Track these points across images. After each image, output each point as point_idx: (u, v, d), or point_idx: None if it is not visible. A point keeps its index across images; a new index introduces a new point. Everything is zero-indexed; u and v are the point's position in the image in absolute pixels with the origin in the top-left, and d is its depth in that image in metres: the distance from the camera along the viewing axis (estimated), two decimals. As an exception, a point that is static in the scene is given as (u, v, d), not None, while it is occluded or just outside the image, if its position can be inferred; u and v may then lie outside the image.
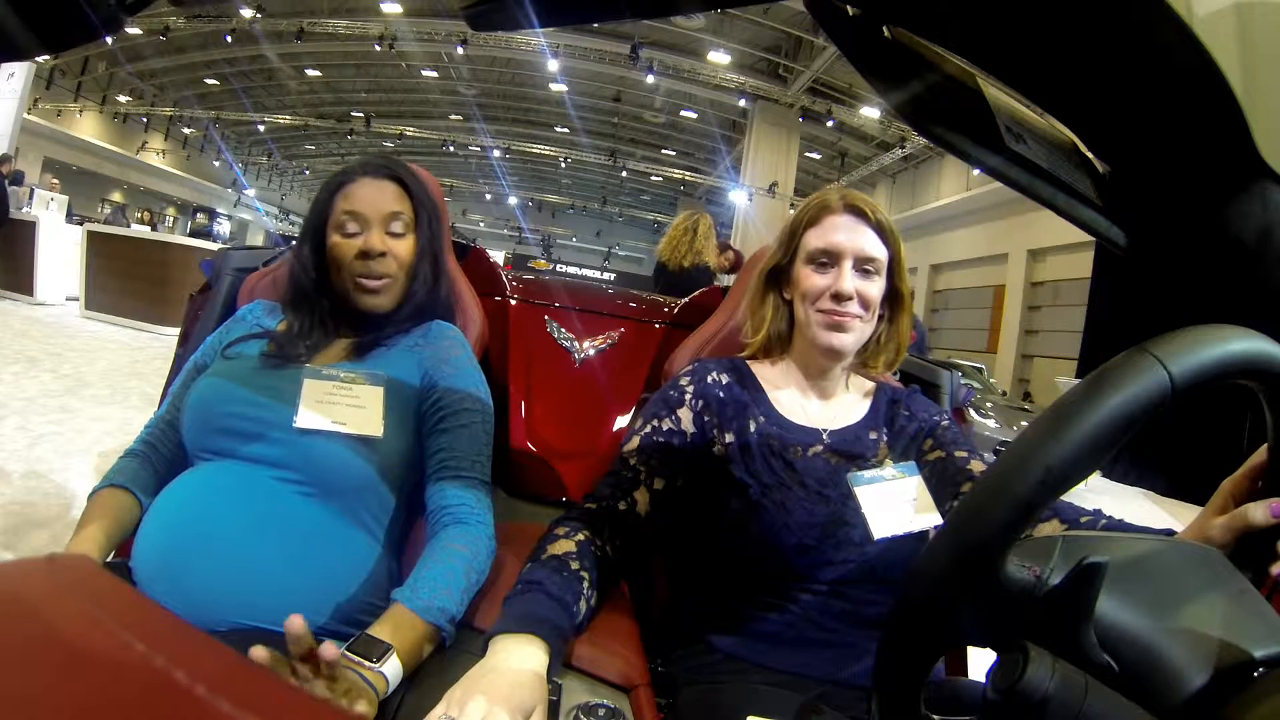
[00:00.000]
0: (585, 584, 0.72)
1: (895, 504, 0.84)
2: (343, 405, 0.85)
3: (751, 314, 0.97)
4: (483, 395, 0.94)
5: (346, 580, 0.82)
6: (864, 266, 0.88)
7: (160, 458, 0.90)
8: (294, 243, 0.99)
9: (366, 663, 0.65)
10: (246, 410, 0.84)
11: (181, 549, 0.77)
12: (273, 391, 0.85)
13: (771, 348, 0.97)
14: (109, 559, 0.82)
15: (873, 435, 0.92)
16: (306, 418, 0.83)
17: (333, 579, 0.81)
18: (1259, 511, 0.49)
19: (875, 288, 0.89)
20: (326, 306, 0.96)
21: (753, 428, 0.88)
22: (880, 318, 0.93)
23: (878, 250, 0.89)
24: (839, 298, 0.87)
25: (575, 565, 0.72)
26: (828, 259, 0.89)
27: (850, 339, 0.89)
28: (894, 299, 0.93)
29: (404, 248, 0.95)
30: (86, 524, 0.81)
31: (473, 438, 0.89)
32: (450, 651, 0.74)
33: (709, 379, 0.92)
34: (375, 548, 0.86)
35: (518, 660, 0.61)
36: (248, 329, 0.97)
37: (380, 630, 0.69)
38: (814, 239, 0.91)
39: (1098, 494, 5.10)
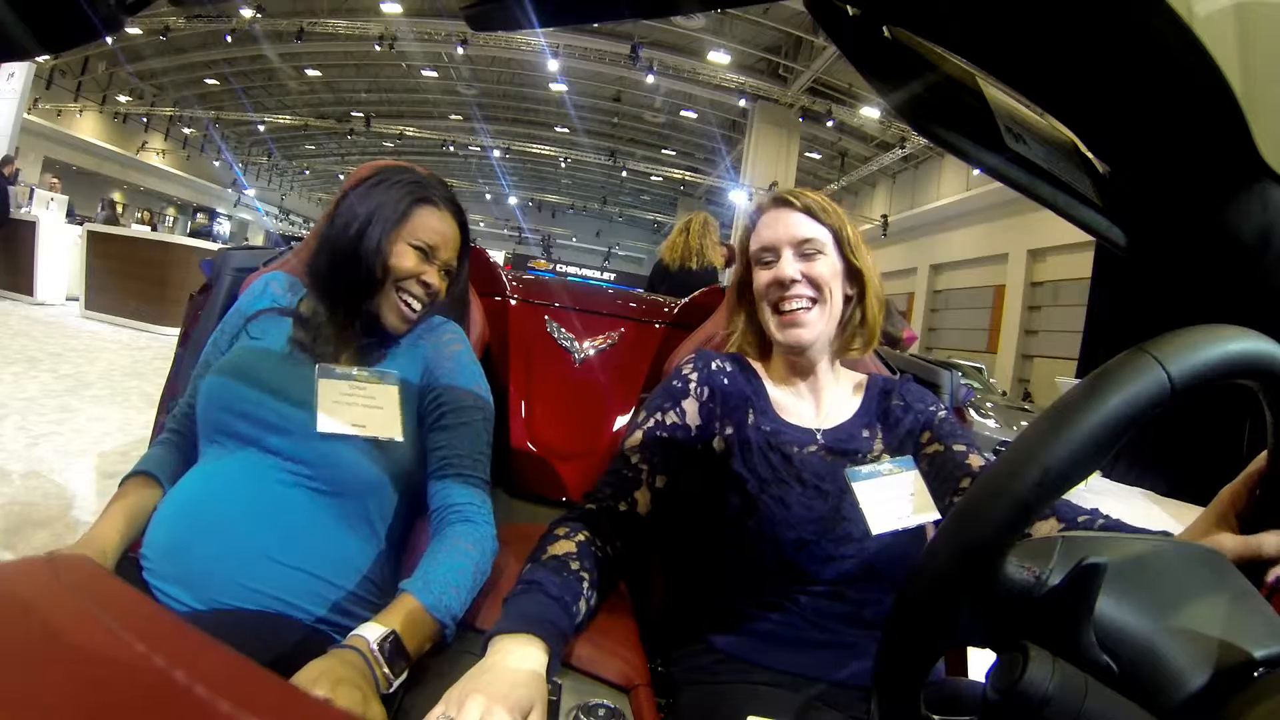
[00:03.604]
0: (585, 584, 0.72)
1: (893, 499, 0.84)
2: (360, 406, 0.85)
3: (728, 315, 1.02)
4: (483, 392, 0.94)
5: (346, 574, 0.83)
6: (803, 250, 0.90)
7: (187, 443, 0.91)
8: (347, 223, 0.92)
9: (385, 665, 0.66)
10: (266, 399, 0.84)
11: (186, 533, 0.79)
12: (293, 384, 0.85)
13: (749, 352, 0.98)
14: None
15: (865, 432, 0.92)
16: (326, 422, 0.83)
17: (332, 572, 0.82)
18: (1272, 541, 0.49)
19: (823, 266, 0.89)
20: (357, 304, 0.92)
21: (751, 420, 0.88)
22: (848, 300, 0.93)
23: (812, 230, 0.90)
24: (781, 284, 0.89)
25: (575, 565, 0.72)
26: (769, 254, 0.91)
27: (808, 332, 0.89)
28: (855, 276, 0.92)
29: (442, 290, 0.96)
30: (111, 513, 0.83)
31: (474, 436, 0.89)
32: (450, 652, 0.74)
33: (713, 366, 0.93)
34: (377, 544, 0.87)
35: (516, 660, 0.61)
36: (270, 305, 0.96)
37: (392, 619, 0.69)
38: (755, 242, 0.94)
39: (1098, 494, 5.10)
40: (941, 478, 0.87)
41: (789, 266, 0.89)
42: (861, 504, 0.82)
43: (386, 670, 0.65)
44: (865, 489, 0.83)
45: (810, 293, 0.89)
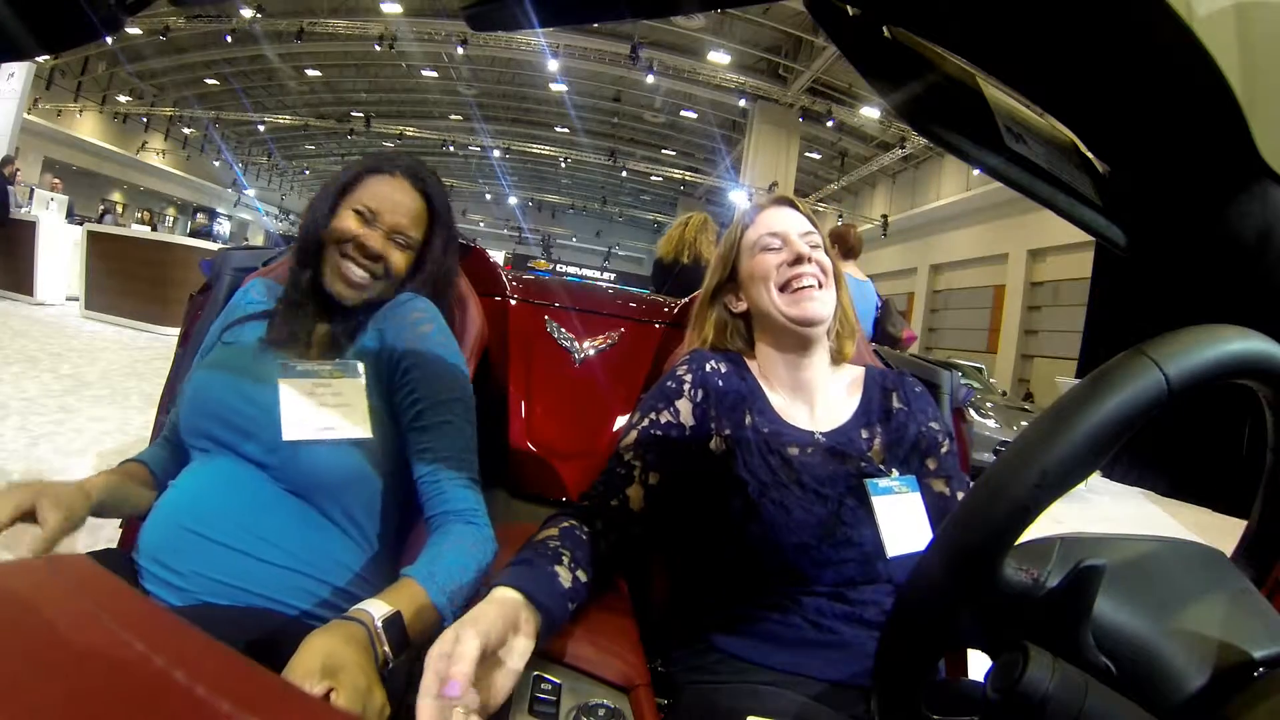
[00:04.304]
0: (566, 558, 0.70)
1: (905, 518, 0.83)
2: (326, 405, 0.84)
3: (696, 330, 1.02)
4: (460, 378, 0.91)
5: (337, 572, 0.83)
6: (809, 241, 0.94)
7: (178, 449, 0.92)
8: (313, 206, 0.95)
9: (386, 644, 0.65)
10: (236, 404, 0.84)
11: (172, 540, 0.79)
12: (262, 388, 0.84)
13: (737, 344, 0.99)
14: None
15: (864, 433, 0.91)
16: (292, 427, 0.82)
17: (322, 570, 0.82)
18: None
19: (823, 259, 0.94)
20: (309, 276, 0.93)
21: (748, 421, 0.88)
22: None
23: (813, 229, 0.96)
24: (798, 260, 0.91)
25: (554, 545, 0.72)
26: (777, 239, 0.94)
27: (823, 306, 0.91)
28: (835, 281, 0.97)
29: (400, 260, 0.93)
30: (101, 474, 0.83)
31: (457, 432, 0.88)
32: None
33: (708, 367, 0.93)
34: (368, 542, 0.87)
35: (484, 602, 0.61)
36: (247, 310, 0.97)
37: (398, 601, 0.69)
38: (754, 233, 0.96)
39: (1098, 494, 5.10)
40: (938, 521, 0.87)
41: (803, 246, 0.92)
42: (880, 523, 0.82)
43: (387, 649, 0.65)
44: (883, 505, 0.83)
45: (819, 273, 0.92)
